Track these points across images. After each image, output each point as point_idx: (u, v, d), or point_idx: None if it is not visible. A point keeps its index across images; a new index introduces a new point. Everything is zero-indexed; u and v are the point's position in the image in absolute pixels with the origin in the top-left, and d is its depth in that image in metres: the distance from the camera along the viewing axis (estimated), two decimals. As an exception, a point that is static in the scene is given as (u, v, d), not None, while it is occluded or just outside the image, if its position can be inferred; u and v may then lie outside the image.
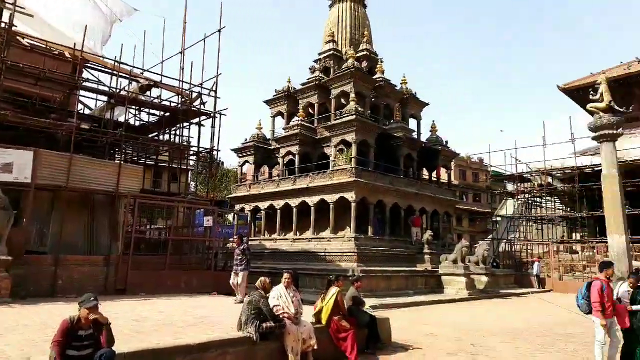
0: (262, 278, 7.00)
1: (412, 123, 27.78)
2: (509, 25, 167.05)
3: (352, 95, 23.13)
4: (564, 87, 30.21)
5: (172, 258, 14.65)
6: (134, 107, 18.06)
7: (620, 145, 23.62)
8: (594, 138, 16.84)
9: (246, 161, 27.67)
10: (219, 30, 17.61)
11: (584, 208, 26.51)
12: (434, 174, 28.35)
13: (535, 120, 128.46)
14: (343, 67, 24.56)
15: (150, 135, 19.20)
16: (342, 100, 24.36)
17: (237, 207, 27.06)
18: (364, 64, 26.40)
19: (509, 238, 29.46)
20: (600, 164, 16.67)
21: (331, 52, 27.25)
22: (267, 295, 6.82)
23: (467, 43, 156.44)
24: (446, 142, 27.40)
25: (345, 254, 19.27)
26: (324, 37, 28.77)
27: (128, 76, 17.01)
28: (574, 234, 30.66)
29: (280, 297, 6.88)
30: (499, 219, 36.76)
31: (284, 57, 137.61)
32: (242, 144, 27.65)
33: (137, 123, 19.36)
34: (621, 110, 17.29)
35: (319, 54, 28.12)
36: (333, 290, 7.64)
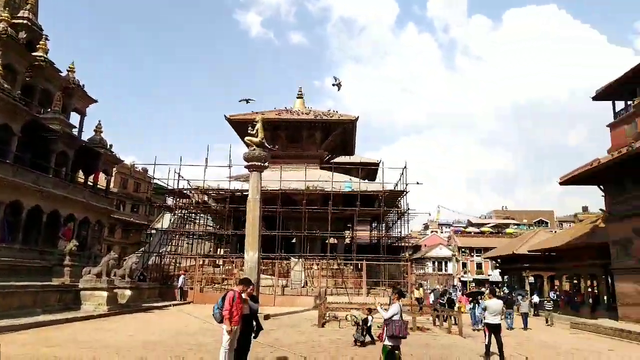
0: None
1: (75, 118, 24.69)
2: (196, 45, 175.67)
3: (-2, 66, 18.58)
4: (230, 118, 33.72)
5: None
6: None
7: (265, 177, 28.25)
8: (246, 167, 19.43)
9: None
10: None
11: (230, 227, 29.79)
12: (91, 177, 25.80)
13: (204, 141, 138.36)
14: (-10, 28, 19.51)
15: None
16: (-18, 69, 19.18)
17: None
18: (23, 34, 21.82)
19: (161, 251, 29.76)
20: (248, 190, 19.24)
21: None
22: None
23: (153, 55, 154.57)
24: (111, 145, 25.62)
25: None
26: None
27: None
28: (219, 250, 33.90)
29: None
30: (153, 231, 36.76)
31: None
32: None
33: None
34: (270, 147, 20.65)
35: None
36: None
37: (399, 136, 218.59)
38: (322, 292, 23.21)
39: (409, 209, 29.59)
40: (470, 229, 75.40)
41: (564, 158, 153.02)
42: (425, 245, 72.38)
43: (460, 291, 40.02)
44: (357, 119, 33.60)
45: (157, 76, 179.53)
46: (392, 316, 7.69)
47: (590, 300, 28.81)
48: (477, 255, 63.25)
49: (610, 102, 23.53)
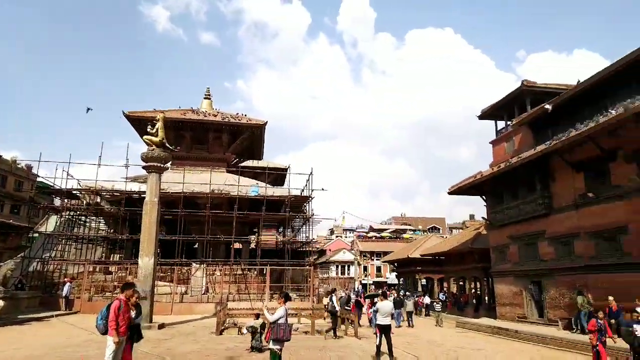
0: None
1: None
2: (94, 37, 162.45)
3: None
4: (129, 114, 31.68)
5: None
6: None
7: (168, 178, 26.97)
8: (144, 167, 18.37)
9: None
10: None
11: (125, 231, 27.92)
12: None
13: (99, 139, 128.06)
14: None
15: None
16: None
17: None
18: None
19: (44, 257, 26.95)
20: (146, 192, 18.19)
21: None
22: None
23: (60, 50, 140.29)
24: (-14, 138, 22.65)
25: None
26: None
27: None
28: (112, 255, 31.56)
29: None
30: (36, 235, 33.20)
31: None
32: None
33: None
34: (171, 148, 19.76)
35: None
36: None
37: (308, 142, 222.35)
38: (224, 299, 22.69)
39: (313, 214, 30.16)
40: (371, 234, 78.93)
41: (458, 170, 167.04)
42: (330, 250, 74.24)
43: (358, 294, 41.56)
44: (265, 123, 33.54)
45: (47, 67, 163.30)
46: (278, 319, 7.80)
47: (474, 301, 31.69)
48: (377, 259, 66.35)
49: (493, 122, 26.24)
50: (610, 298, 14.94)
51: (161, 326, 16.74)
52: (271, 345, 7.84)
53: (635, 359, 9.85)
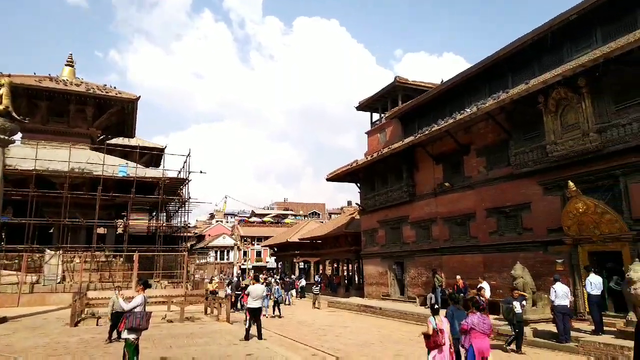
0: None
1: None
2: None
3: None
4: (-32, 77, 26.81)
5: None
6: None
7: (17, 153, 23.46)
8: (-19, 138, 15.69)
9: None
10: None
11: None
12: None
13: None
14: None
15: None
16: None
17: None
18: None
19: None
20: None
21: None
22: None
23: None
24: None
25: None
26: None
27: None
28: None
29: None
30: None
31: None
32: None
33: None
34: (19, 118, 17.18)
35: None
36: None
37: (191, 123, 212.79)
38: (84, 288, 20.66)
39: (190, 197, 28.90)
40: (253, 219, 78.69)
41: (341, 157, 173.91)
42: (209, 235, 72.31)
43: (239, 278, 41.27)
44: (138, 98, 30.94)
45: None
46: (134, 308, 7.28)
47: (346, 282, 33.47)
48: (258, 244, 66.45)
49: (369, 113, 27.71)
50: (458, 277, 16.85)
51: (2, 320, 14.64)
52: (126, 335, 7.27)
53: (514, 333, 10.61)
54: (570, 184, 12.39)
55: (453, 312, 7.85)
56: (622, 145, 11.92)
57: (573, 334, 10.68)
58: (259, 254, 67.69)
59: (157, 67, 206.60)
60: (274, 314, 19.38)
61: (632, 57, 11.28)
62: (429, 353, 6.52)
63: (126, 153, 30.70)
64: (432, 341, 6.43)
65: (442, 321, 6.62)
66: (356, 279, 32.71)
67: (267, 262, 64.94)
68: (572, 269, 13.24)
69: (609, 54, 11.30)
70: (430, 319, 6.66)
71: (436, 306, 6.97)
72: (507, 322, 11.32)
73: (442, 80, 20.89)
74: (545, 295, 12.35)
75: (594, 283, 11.07)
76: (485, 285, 14.88)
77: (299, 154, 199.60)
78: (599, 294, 11.03)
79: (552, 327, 11.43)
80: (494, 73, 17.48)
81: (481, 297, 11.66)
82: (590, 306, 11.29)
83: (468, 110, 17.02)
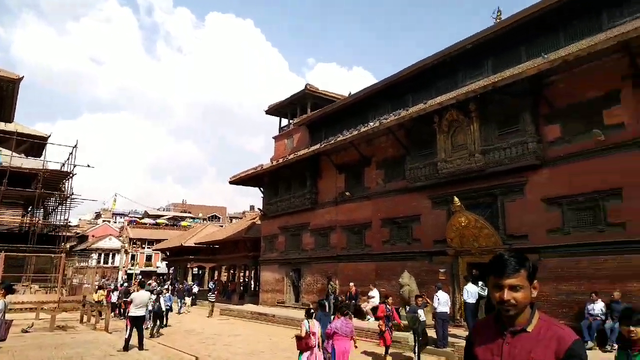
0: None
1: None
2: None
3: None
4: None
5: None
6: None
7: None
8: None
9: None
10: None
11: None
12: None
13: None
14: None
15: None
16: None
17: None
18: None
19: None
20: None
21: None
22: None
23: None
24: None
25: None
26: None
27: None
28: None
29: None
30: None
31: None
32: None
33: None
34: None
35: None
36: None
37: (83, 111, 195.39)
38: None
39: (73, 193, 26.20)
40: (146, 220, 73.90)
41: (247, 160, 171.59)
42: (93, 236, 66.39)
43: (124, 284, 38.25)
44: (21, 79, 27.53)
45: None
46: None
47: (242, 288, 32.73)
48: (149, 247, 62.40)
49: (278, 118, 27.62)
50: (351, 284, 17.31)
51: None
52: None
53: (417, 342, 10.25)
54: (455, 199, 13.41)
55: (321, 317, 8.30)
56: (501, 167, 13.19)
57: (450, 339, 11.45)
58: (149, 258, 63.59)
59: (48, 47, 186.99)
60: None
61: (513, 89, 12.58)
62: (300, 354, 6.75)
63: (0, 139, 26.99)
64: (303, 343, 6.75)
65: (314, 324, 6.97)
66: (252, 285, 32.17)
67: (157, 267, 61.29)
68: (453, 278, 14.29)
69: (496, 83, 12.48)
70: (304, 322, 6.98)
71: (311, 311, 7.33)
72: (411, 331, 10.79)
73: (350, 93, 21.55)
74: (429, 303, 13.14)
75: (470, 292, 12.03)
76: (375, 292, 15.44)
77: (202, 153, 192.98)
78: (474, 302, 12.01)
79: (432, 333, 12.14)
80: (396, 91, 18.45)
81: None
82: (467, 313, 12.24)
83: (371, 124, 17.71)
